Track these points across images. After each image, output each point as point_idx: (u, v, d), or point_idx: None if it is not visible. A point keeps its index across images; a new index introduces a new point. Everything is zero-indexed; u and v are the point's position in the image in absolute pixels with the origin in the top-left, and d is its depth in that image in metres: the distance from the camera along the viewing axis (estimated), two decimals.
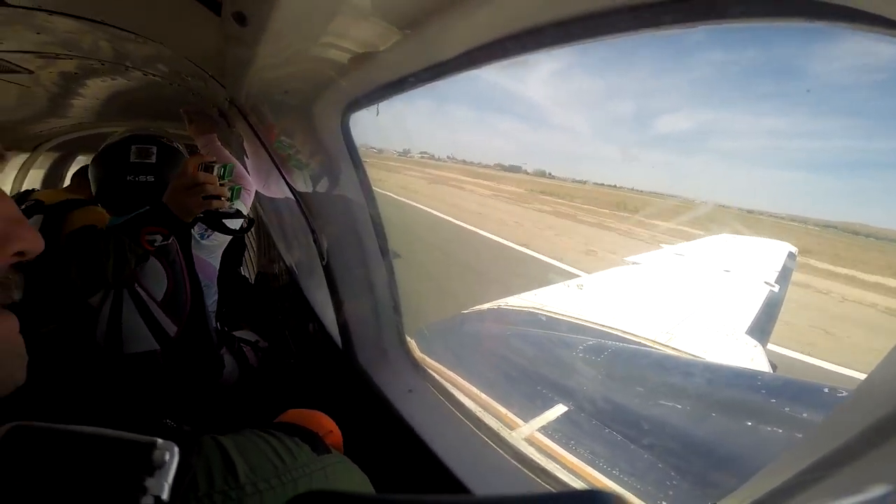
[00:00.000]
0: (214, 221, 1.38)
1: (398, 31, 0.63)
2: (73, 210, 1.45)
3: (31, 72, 1.59)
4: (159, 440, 0.36)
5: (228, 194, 1.24)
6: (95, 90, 1.99)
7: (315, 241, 1.38)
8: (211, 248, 1.52)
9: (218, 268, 1.58)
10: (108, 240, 1.09)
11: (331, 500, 0.28)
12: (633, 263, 4.86)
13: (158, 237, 1.15)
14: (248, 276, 3.16)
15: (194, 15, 0.81)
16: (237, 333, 1.80)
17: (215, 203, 1.20)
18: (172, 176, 1.33)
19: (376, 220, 1.29)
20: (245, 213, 1.63)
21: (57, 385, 1.26)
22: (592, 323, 2.80)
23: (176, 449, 0.36)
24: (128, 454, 0.35)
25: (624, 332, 2.72)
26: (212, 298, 1.54)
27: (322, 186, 1.30)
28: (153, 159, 1.30)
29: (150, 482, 0.34)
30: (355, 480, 0.60)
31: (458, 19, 0.61)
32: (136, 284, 1.31)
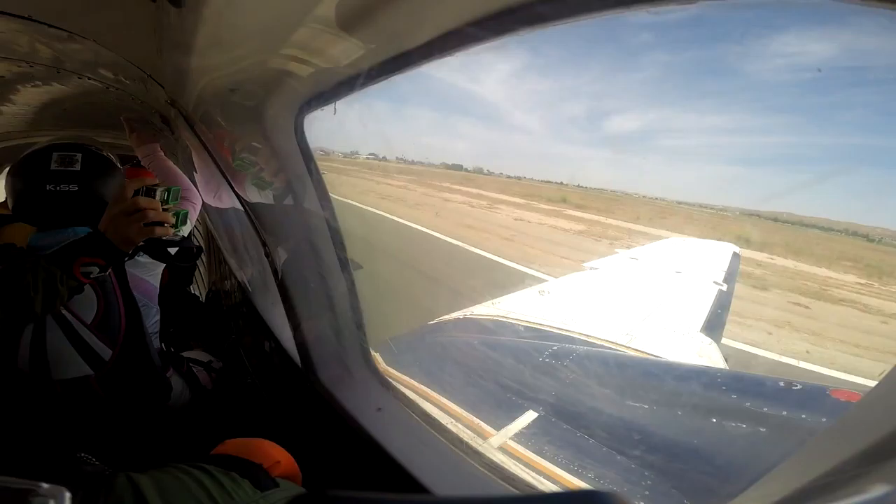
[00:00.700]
0: (158, 251, 1.27)
1: (357, 19, 0.59)
2: (1, 227, 1.31)
3: None
4: (43, 485, 0.30)
5: (173, 220, 1.14)
6: (27, 97, 1.83)
7: (267, 255, 1.29)
8: (149, 266, 1.39)
9: (158, 286, 1.45)
10: (37, 272, 0.98)
11: (330, 500, 0.28)
12: (592, 269, 4.99)
13: (95, 269, 1.04)
14: (198, 294, 2.99)
15: (127, 3, 0.74)
16: (187, 354, 1.68)
17: (158, 230, 1.10)
18: (100, 186, 1.22)
19: (334, 229, 1.22)
20: (190, 235, 1.52)
21: None
22: (557, 328, 2.82)
23: (67, 495, 0.30)
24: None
25: (587, 335, 2.76)
26: (152, 319, 1.42)
27: (274, 195, 1.21)
28: (77, 167, 1.18)
29: None
30: None
31: (422, 6, 0.57)
32: (61, 308, 1.18)
